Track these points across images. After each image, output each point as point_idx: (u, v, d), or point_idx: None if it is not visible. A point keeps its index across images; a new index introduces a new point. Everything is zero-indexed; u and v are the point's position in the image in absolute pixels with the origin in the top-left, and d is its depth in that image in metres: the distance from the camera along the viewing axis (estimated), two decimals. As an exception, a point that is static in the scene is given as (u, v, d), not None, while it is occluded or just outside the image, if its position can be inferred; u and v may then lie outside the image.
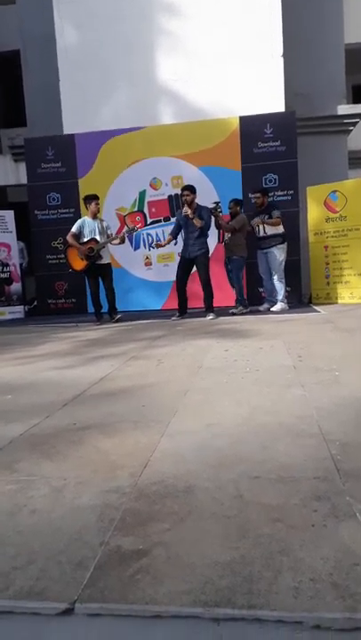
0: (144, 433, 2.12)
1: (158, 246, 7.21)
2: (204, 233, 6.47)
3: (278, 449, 1.85)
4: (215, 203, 6.73)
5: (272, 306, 7.11)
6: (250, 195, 7.43)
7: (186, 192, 6.43)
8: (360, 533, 1.25)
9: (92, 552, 1.26)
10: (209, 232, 6.62)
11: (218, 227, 6.93)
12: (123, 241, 6.79)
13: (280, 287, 7.07)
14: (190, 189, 6.45)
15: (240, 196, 7.77)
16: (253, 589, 1.07)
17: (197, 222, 6.35)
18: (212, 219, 6.56)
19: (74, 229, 6.65)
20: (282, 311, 6.87)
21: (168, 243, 6.89)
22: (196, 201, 6.47)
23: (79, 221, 6.75)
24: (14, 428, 2.29)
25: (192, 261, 6.53)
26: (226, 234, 6.97)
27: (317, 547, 1.21)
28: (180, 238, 6.83)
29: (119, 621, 1.05)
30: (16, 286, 8.60)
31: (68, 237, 6.64)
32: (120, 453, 1.90)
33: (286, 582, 1.09)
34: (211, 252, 6.80)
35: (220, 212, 6.66)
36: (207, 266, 6.53)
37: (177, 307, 6.74)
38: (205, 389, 2.82)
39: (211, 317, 6.39)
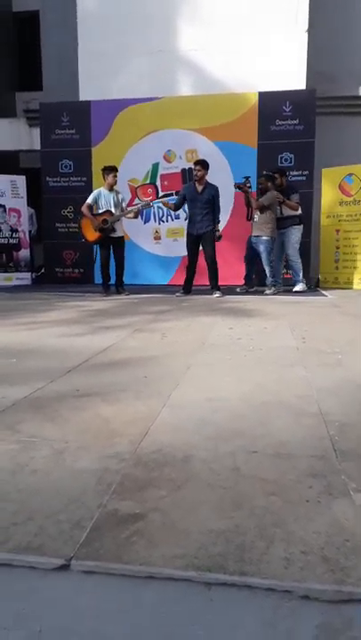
0: (145, 403, 2.14)
1: (165, 205, 7.10)
2: (213, 209, 6.41)
3: (277, 426, 1.87)
4: (245, 178, 6.59)
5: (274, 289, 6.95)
6: (258, 179, 7.28)
7: (198, 167, 6.36)
8: (353, 511, 1.28)
9: (89, 513, 1.28)
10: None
11: (247, 204, 6.74)
12: (137, 215, 6.75)
13: (298, 267, 7.00)
14: (202, 164, 6.36)
15: (254, 174, 7.69)
16: (245, 557, 1.09)
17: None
18: (228, 200, 6.45)
19: (89, 200, 6.61)
20: (303, 291, 6.87)
21: (169, 208, 6.84)
22: (207, 178, 6.40)
23: (95, 192, 6.71)
24: (18, 390, 2.32)
25: (199, 238, 6.48)
26: (254, 211, 6.76)
27: (310, 521, 1.23)
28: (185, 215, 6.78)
29: (113, 580, 1.08)
30: (24, 253, 8.60)
31: (83, 208, 6.62)
32: (121, 421, 1.93)
33: (278, 553, 1.11)
34: (222, 229, 6.75)
35: (250, 187, 6.50)
36: (214, 243, 6.48)
37: (183, 283, 6.73)
38: (208, 365, 2.84)
39: (217, 295, 6.38)
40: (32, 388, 2.35)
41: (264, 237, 6.68)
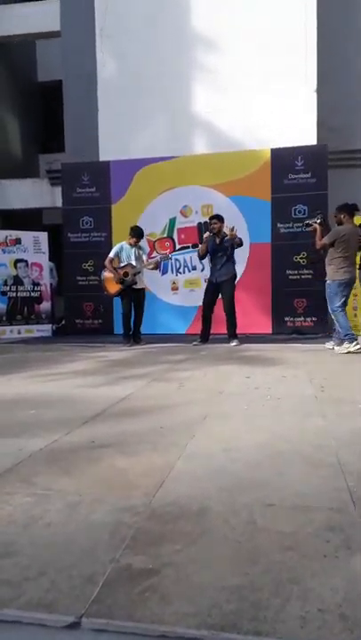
0: (161, 454, 2.13)
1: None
2: (231, 259, 6.54)
3: (294, 477, 1.84)
4: (318, 213, 5.96)
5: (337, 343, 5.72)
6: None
7: (214, 220, 6.56)
8: (373, 566, 1.23)
9: (102, 568, 1.27)
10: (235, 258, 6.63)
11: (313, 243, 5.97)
12: (157, 266, 6.90)
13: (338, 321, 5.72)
14: (218, 218, 6.58)
15: (269, 226, 7.86)
16: (260, 616, 1.06)
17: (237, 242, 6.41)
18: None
19: (111, 254, 6.85)
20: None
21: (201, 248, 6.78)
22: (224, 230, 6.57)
23: (117, 246, 6.93)
24: (35, 442, 2.33)
25: (218, 286, 6.58)
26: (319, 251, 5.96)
27: (328, 577, 1.19)
28: (206, 263, 6.88)
29: (124, 638, 1.05)
30: (46, 305, 8.78)
31: (106, 262, 6.85)
32: (136, 473, 1.91)
33: (294, 611, 1.07)
34: (238, 278, 6.84)
35: (322, 224, 5.78)
36: (232, 292, 6.56)
37: (200, 332, 6.77)
38: (225, 414, 2.82)
39: (235, 344, 6.38)
40: (49, 440, 2.36)
41: (326, 280, 5.75)
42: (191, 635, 1.03)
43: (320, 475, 1.86)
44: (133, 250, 6.79)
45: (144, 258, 6.84)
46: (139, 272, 6.71)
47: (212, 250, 6.59)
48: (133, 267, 6.69)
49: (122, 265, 6.75)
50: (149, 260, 6.89)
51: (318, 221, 5.81)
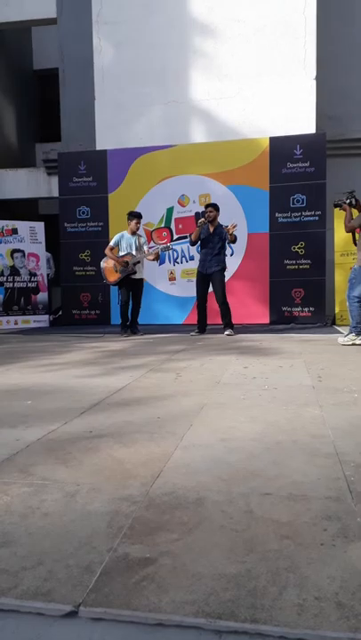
0: (158, 444, 2.13)
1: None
2: (222, 250, 6.52)
3: (291, 467, 1.84)
4: (349, 192, 5.48)
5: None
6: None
7: (209, 208, 6.54)
8: (369, 555, 1.24)
9: (99, 557, 1.27)
10: (227, 250, 6.60)
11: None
12: (157, 257, 6.84)
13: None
14: (214, 207, 6.55)
15: (267, 216, 7.83)
16: (257, 604, 1.06)
17: (231, 238, 6.38)
18: None
19: (112, 243, 6.84)
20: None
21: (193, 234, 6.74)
22: (219, 220, 6.54)
23: (118, 235, 6.89)
24: (32, 432, 2.33)
25: (208, 277, 6.57)
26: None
27: (325, 565, 1.20)
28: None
29: (122, 627, 1.06)
30: (42, 295, 8.76)
31: (106, 250, 6.82)
32: (133, 463, 1.92)
33: (291, 599, 1.08)
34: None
35: (354, 203, 5.37)
36: (223, 282, 6.56)
37: (197, 322, 6.77)
38: (222, 404, 2.82)
39: (228, 333, 6.39)
40: (46, 430, 2.36)
41: (356, 265, 5.33)
42: (188, 623, 1.03)
43: (317, 464, 1.87)
44: (134, 239, 6.77)
45: (145, 248, 6.82)
46: (138, 262, 6.68)
47: (205, 238, 6.57)
48: (133, 256, 6.67)
49: (122, 254, 6.72)
50: (150, 251, 6.86)
51: (348, 201, 5.41)
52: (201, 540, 1.34)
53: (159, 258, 6.89)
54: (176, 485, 1.69)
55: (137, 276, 6.75)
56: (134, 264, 6.65)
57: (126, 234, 6.83)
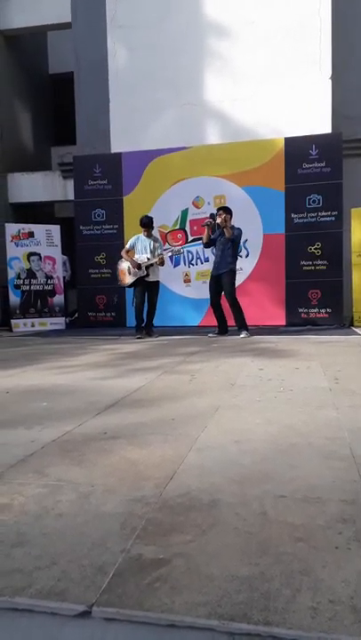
0: (172, 446, 2.13)
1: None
2: (233, 252, 6.49)
3: (306, 469, 1.83)
4: None
5: None
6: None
7: (220, 212, 6.51)
8: (385, 559, 1.22)
9: (113, 558, 1.27)
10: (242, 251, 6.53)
11: None
12: (162, 262, 6.79)
13: None
14: (225, 209, 6.52)
15: (282, 216, 7.79)
16: (270, 606, 1.06)
17: (227, 232, 6.36)
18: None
19: (127, 245, 6.89)
20: None
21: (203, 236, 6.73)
22: (233, 222, 6.52)
23: (133, 238, 6.94)
24: (48, 433, 2.35)
25: (218, 278, 6.56)
26: None
27: (339, 569, 1.19)
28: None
29: (134, 627, 1.06)
30: (59, 298, 8.84)
31: (123, 252, 6.87)
32: (147, 464, 1.92)
33: (305, 602, 1.07)
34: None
35: None
36: (231, 284, 6.52)
37: (214, 324, 6.77)
38: (237, 406, 2.81)
39: (243, 335, 6.36)
40: (61, 432, 2.37)
41: None
42: (201, 624, 1.03)
43: (332, 467, 1.85)
44: (149, 241, 6.79)
45: (159, 251, 6.81)
46: (152, 265, 6.70)
47: (217, 241, 6.58)
48: (148, 259, 6.69)
49: (137, 257, 6.76)
50: (157, 254, 6.78)
51: None
52: (214, 542, 1.33)
53: (164, 263, 6.85)
54: (190, 487, 1.69)
55: (151, 279, 6.76)
56: (147, 267, 6.67)
57: (142, 236, 6.86)
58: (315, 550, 1.27)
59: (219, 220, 6.45)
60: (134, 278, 6.71)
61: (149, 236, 6.82)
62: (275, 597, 1.09)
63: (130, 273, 6.74)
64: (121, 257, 6.93)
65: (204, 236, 6.65)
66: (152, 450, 2.08)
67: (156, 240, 6.92)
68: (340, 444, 2.10)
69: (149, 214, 7.16)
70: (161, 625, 1.04)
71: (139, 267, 6.66)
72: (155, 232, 7.10)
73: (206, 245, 6.87)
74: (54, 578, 1.19)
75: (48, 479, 1.80)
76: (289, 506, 1.53)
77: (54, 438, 2.27)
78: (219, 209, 6.70)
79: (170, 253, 6.92)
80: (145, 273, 6.69)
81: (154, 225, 6.95)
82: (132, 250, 6.84)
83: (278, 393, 3.10)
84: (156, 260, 6.69)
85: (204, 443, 2.17)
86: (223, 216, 6.44)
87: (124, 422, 2.52)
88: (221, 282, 6.53)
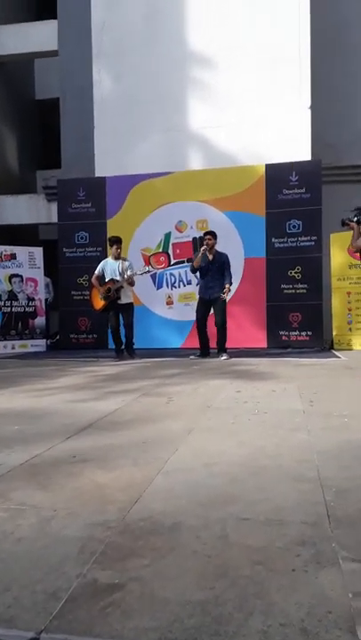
0: (141, 469, 2.11)
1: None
2: (224, 276, 6.55)
3: (273, 491, 1.82)
4: (357, 209, 5.35)
5: None
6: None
7: (208, 236, 6.60)
8: (340, 581, 1.22)
9: (67, 583, 1.25)
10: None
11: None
12: (131, 283, 6.77)
13: None
14: (213, 234, 6.62)
15: (263, 241, 7.90)
16: (221, 630, 1.05)
17: (210, 255, 6.50)
18: None
19: (97, 271, 6.88)
20: None
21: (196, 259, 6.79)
22: (216, 247, 6.61)
23: (102, 263, 6.96)
24: (16, 457, 2.32)
25: (210, 302, 6.61)
26: None
27: (294, 591, 1.18)
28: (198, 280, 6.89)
29: (83, 654, 1.04)
30: (40, 320, 8.79)
31: (93, 279, 6.88)
32: (114, 488, 1.90)
33: (256, 625, 1.06)
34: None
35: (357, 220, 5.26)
36: (224, 308, 6.58)
37: (197, 346, 6.78)
38: (210, 429, 2.80)
39: (224, 358, 6.39)
40: (30, 455, 2.34)
41: None
42: (150, 651, 1.02)
43: (299, 489, 1.85)
44: (117, 264, 6.80)
45: (128, 273, 6.77)
46: (121, 287, 6.69)
47: (205, 266, 6.61)
48: (116, 282, 6.68)
49: (106, 280, 6.75)
50: (126, 275, 6.76)
51: (355, 219, 5.27)
52: (172, 566, 1.32)
53: (133, 283, 6.84)
54: (153, 510, 1.67)
55: (123, 301, 6.74)
56: (116, 290, 6.67)
57: (110, 260, 6.88)
58: (271, 573, 1.27)
59: (205, 247, 6.54)
60: (107, 302, 6.70)
61: (118, 257, 6.81)
62: (227, 621, 1.08)
63: (102, 298, 6.73)
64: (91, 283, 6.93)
65: (196, 262, 6.69)
66: (120, 473, 2.07)
67: (124, 260, 6.91)
68: (309, 466, 2.10)
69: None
70: (109, 651, 1.03)
71: (108, 290, 6.66)
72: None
73: (194, 270, 6.92)
74: (5, 605, 1.17)
75: (10, 503, 1.77)
76: (251, 528, 1.53)
77: (22, 462, 2.25)
78: (206, 233, 6.76)
79: (139, 272, 6.90)
80: (116, 296, 6.67)
81: (121, 246, 6.92)
82: (101, 275, 6.83)
83: (253, 415, 3.10)
84: (125, 282, 6.66)
85: (174, 465, 2.16)
86: (212, 241, 6.54)
87: (96, 445, 2.50)
88: (213, 305, 6.57)
